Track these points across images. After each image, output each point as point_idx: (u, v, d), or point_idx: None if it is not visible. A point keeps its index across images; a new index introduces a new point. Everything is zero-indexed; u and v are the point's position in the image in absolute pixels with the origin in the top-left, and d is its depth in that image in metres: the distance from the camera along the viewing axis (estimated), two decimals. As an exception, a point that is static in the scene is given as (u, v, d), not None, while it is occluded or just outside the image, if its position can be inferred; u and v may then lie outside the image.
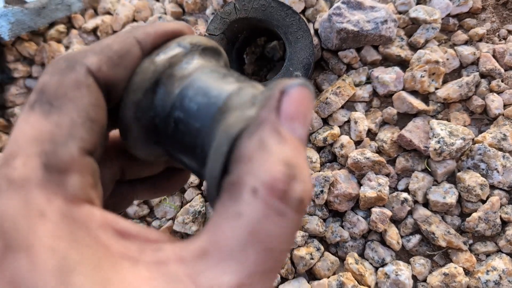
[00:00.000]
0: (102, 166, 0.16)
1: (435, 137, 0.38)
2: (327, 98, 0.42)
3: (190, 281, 0.11)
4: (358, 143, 0.41)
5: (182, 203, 0.43)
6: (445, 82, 0.41)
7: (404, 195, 0.38)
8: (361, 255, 0.39)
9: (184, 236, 0.42)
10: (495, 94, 0.40)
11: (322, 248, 0.39)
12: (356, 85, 0.43)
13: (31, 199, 0.12)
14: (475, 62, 0.42)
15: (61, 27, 0.53)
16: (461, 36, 0.43)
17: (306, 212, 0.40)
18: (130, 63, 0.16)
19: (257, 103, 0.14)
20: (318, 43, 0.44)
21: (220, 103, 0.16)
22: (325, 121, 0.43)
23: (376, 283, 0.37)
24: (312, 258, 0.38)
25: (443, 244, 0.37)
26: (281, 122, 0.13)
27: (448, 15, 0.43)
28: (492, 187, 0.38)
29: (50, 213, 0.11)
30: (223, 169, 0.14)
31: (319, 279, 0.38)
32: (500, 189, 0.37)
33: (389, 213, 0.38)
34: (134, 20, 0.53)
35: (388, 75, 0.41)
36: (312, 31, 0.44)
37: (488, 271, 0.35)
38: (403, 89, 0.41)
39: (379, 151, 0.41)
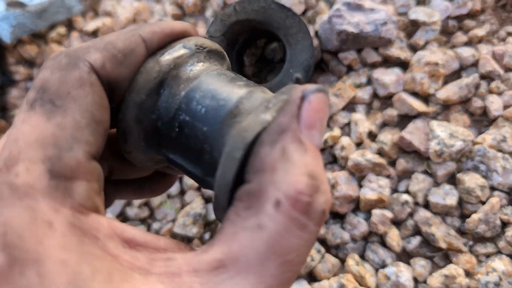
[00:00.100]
0: None
1: (435, 138, 0.38)
2: (327, 100, 0.42)
3: None
4: (358, 144, 0.41)
5: (183, 205, 0.44)
6: (445, 83, 0.41)
7: (405, 196, 0.38)
8: (362, 256, 0.39)
9: (184, 238, 0.42)
10: (494, 95, 0.40)
11: (322, 250, 0.39)
12: (356, 87, 0.43)
13: (37, 208, 0.11)
14: (475, 64, 0.42)
15: (62, 30, 0.53)
16: (460, 38, 0.43)
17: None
18: (134, 62, 0.15)
19: (272, 107, 0.14)
20: (318, 45, 0.44)
21: (230, 107, 0.15)
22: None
23: (377, 285, 0.37)
24: (312, 260, 0.38)
25: (444, 245, 0.37)
26: (301, 130, 0.12)
27: (448, 17, 0.44)
28: (492, 188, 0.38)
29: (58, 223, 0.11)
30: (237, 176, 0.13)
31: (320, 281, 0.38)
32: (500, 190, 0.38)
33: (389, 215, 0.38)
34: (134, 22, 0.53)
35: (388, 77, 0.41)
36: (312, 33, 0.44)
37: (488, 272, 0.36)
38: (403, 91, 0.42)
39: (379, 153, 0.41)
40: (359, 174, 0.40)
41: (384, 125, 0.42)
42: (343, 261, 0.39)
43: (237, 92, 0.15)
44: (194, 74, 0.16)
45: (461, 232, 0.38)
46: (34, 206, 0.11)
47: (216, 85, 0.16)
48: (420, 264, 0.37)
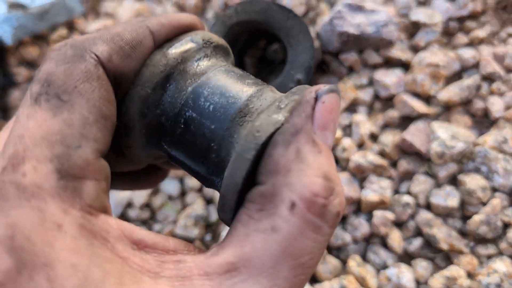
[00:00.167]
0: None
1: (436, 140, 0.38)
2: (328, 101, 0.42)
3: None
4: (359, 146, 0.41)
5: (184, 207, 0.44)
6: (446, 85, 0.41)
7: (406, 198, 0.38)
8: (363, 258, 0.39)
9: (185, 240, 0.42)
10: (495, 97, 0.40)
11: (324, 251, 0.39)
12: (358, 88, 0.43)
13: (45, 210, 0.10)
14: (476, 65, 0.42)
15: (63, 31, 0.53)
16: (461, 39, 0.43)
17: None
18: (141, 54, 0.15)
19: (284, 107, 0.13)
20: (319, 46, 0.44)
21: (240, 105, 0.15)
22: (327, 124, 0.43)
23: (378, 286, 0.37)
24: (314, 261, 0.38)
25: (445, 247, 0.37)
26: (314, 131, 0.12)
27: (449, 18, 0.44)
28: (493, 189, 0.38)
29: (67, 225, 0.10)
30: (247, 176, 0.13)
31: (321, 282, 0.38)
32: (501, 191, 0.38)
33: (391, 216, 0.38)
34: (135, 23, 0.53)
35: (389, 78, 0.41)
36: (313, 34, 0.44)
37: (489, 273, 0.36)
38: (404, 92, 0.42)
39: (380, 154, 0.41)
40: (360, 176, 0.40)
41: (385, 126, 0.42)
42: (344, 262, 0.39)
43: (246, 90, 0.15)
44: (201, 70, 0.16)
45: (463, 233, 0.38)
46: (43, 208, 0.10)
47: (225, 82, 0.16)
48: (422, 265, 0.37)
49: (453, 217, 0.38)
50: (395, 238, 0.38)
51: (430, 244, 0.38)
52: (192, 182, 0.44)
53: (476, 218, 0.37)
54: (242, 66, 0.49)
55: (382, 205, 0.38)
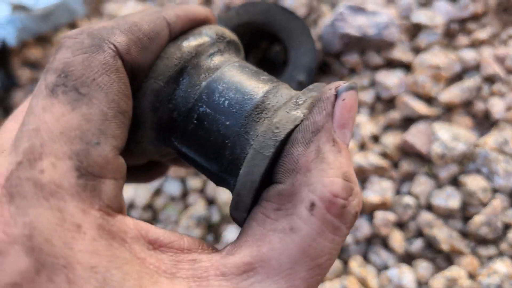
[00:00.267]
0: None
1: (438, 141, 0.38)
2: (330, 102, 0.42)
3: None
4: (361, 147, 0.42)
5: (185, 207, 0.44)
6: (447, 86, 0.42)
7: (407, 199, 0.39)
8: (364, 258, 0.39)
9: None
10: (496, 98, 0.40)
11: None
12: (359, 90, 0.43)
13: (65, 210, 0.10)
14: (477, 67, 0.42)
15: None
16: (462, 40, 0.43)
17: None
18: (158, 47, 0.14)
19: (302, 104, 0.13)
20: (321, 48, 0.44)
21: (256, 101, 0.14)
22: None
23: (379, 287, 0.38)
24: (315, 262, 0.38)
25: (446, 247, 0.37)
26: (334, 129, 0.12)
27: (450, 20, 0.44)
28: (494, 190, 0.38)
29: (87, 226, 0.10)
30: (265, 174, 0.12)
31: (322, 283, 0.38)
32: (502, 192, 0.38)
33: (392, 217, 0.38)
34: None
35: (391, 80, 0.42)
36: (315, 36, 0.45)
37: (489, 274, 0.36)
38: (406, 93, 0.42)
39: (382, 155, 0.41)
40: (361, 177, 0.40)
41: (386, 127, 0.42)
42: (345, 263, 0.39)
43: (262, 87, 0.15)
44: (215, 64, 0.16)
45: (463, 234, 0.38)
46: (62, 207, 0.10)
47: (240, 77, 0.15)
48: (423, 266, 0.38)
49: (453, 218, 0.38)
50: (396, 239, 0.38)
51: (431, 245, 0.39)
52: (194, 183, 0.44)
53: (477, 219, 0.37)
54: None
55: (383, 206, 0.39)
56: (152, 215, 0.44)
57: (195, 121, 0.15)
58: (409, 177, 0.40)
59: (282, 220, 0.11)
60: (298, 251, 0.11)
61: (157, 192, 0.45)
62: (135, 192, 0.44)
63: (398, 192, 0.40)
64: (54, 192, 0.10)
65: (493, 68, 0.41)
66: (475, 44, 0.43)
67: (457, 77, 0.42)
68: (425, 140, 0.39)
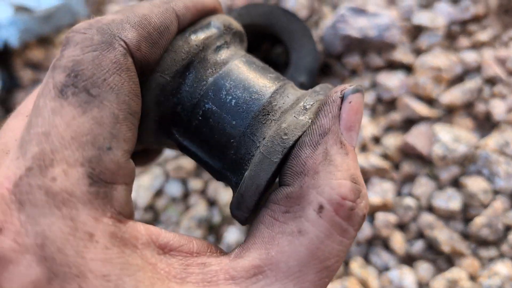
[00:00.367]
0: None
1: (438, 142, 0.38)
2: (331, 104, 0.42)
3: None
4: (362, 148, 0.42)
5: (187, 208, 0.44)
6: (448, 88, 0.42)
7: (408, 200, 0.39)
8: (365, 260, 0.39)
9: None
10: (497, 100, 0.40)
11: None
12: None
13: (77, 219, 0.10)
14: (478, 68, 0.42)
15: (68, 33, 0.54)
16: (463, 42, 0.43)
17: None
18: (167, 41, 0.14)
19: (310, 108, 0.13)
20: (322, 49, 0.45)
21: (264, 102, 0.14)
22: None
23: (380, 288, 0.38)
24: (316, 263, 0.38)
25: (447, 249, 0.37)
26: (341, 131, 0.12)
27: (451, 22, 0.44)
28: (495, 192, 0.38)
29: (99, 234, 0.10)
30: (271, 178, 0.12)
31: (323, 284, 0.38)
32: (503, 194, 0.38)
33: (393, 218, 0.38)
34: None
35: (392, 81, 0.42)
36: (316, 38, 0.45)
37: (490, 276, 0.36)
38: (407, 95, 0.42)
39: (383, 157, 0.41)
40: (363, 178, 0.40)
41: (387, 129, 0.42)
42: (346, 264, 0.39)
43: (270, 86, 0.15)
44: (221, 59, 0.15)
45: (464, 235, 0.38)
46: (74, 216, 0.10)
47: (248, 75, 0.15)
48: (423, 268, 0.38)
49: (454, 220, 0.38)
50: (397, 240, 0.38)
51: (432, 247, 0.39)
52: (195, 184, 0.44)
53: (478, 220, 0.37)
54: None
55: (384, 207, 0.39)
56: (153, 216, 0.44)
57: (200, 117, 0.15)
58: (410, 179, 0.40)
59: (291, 222, 0.11)
60: (307, 253, 0.11)
61: (158, 193, 0.45)
62: (136, 193, 0.44)
63: (399, 193, 0.40)
64: (66, 200, 0.10)
65: (494, 69, 0.41)
66: (476, 46, 0.43)
67: (458, 79, 0.42)
68: (426, 141, 0.39)
